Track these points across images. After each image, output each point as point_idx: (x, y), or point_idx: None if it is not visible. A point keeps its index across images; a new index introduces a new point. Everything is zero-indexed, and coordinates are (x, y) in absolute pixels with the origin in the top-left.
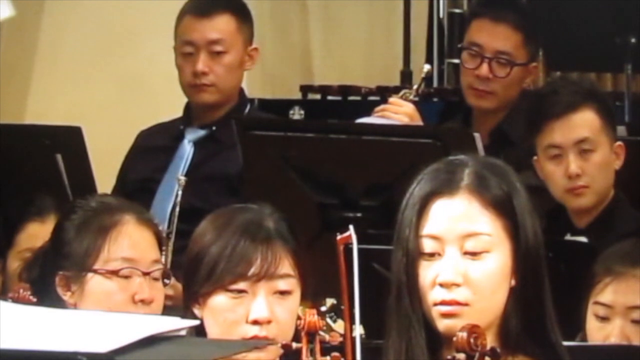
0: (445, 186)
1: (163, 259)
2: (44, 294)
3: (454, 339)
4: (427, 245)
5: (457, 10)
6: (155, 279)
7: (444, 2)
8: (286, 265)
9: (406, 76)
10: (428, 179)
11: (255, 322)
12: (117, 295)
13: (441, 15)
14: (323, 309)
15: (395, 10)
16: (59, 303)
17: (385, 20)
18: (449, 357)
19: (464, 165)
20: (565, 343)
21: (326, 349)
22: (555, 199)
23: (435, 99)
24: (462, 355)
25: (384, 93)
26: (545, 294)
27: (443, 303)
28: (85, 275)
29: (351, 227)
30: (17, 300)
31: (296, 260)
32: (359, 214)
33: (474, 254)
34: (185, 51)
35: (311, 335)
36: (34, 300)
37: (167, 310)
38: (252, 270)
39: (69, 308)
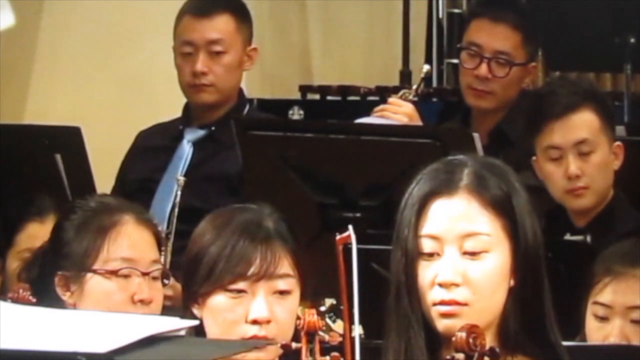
0: (445, 186)
1: (162, 259)
2: (44, 294)
3: (453, 339)
4: (426, 245)
5: (456, 10)
6: (155, 279)
7: (443, 2)
8: (285, 265)
9: (405, 76)
10: (427, 179)
11: (255, 322)
12: (116, 295)
13: (440, 16)
14: (322, 309)
15: (394, 11)
16: (58, 303)
17: (385, 21)
18: (448, 357)
19: (463, 165)
20: (565, 343)
21: (326, 349)
22: (555, 199)
23: (434, 99)
24: (461, 355)
25: (383, 93)
26: (544, 294)
27: (442, 303)
28: (84, 275)
29: (350, 227)
30: (16, 300)
31: (295, 260)
32: (358, 214)
33: (473, 254)
34: (185, 51)
35: (311, 335)
36: (34, 300)
37: (166, 311)
38: (251, 270)
39: (68, 308)
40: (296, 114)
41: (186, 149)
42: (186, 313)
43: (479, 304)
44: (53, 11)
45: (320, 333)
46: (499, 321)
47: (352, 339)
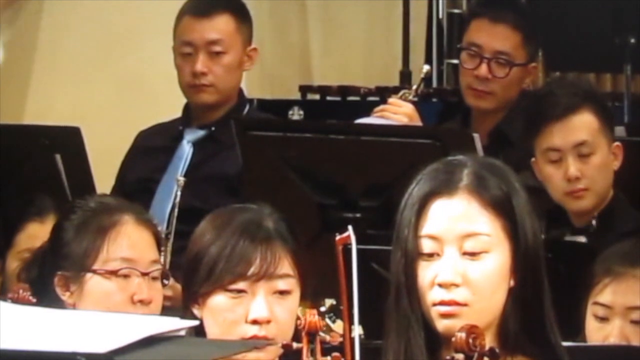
0: (444, 186)
1: (162, 260)
2: (43, 294)
3: (453, 339)
4: (426, 246)
5: (456, 11)
6: (154, 279)
7: (443, 2)
8: (286, 265)
9: (405, 76)
10: (427, 179)
11: (255, 322)
12: (116, 295)
13: (440, 16)
14: (322, 309)
15: (394, 11)
16: (57, 303)
17: (385, 21)
18: (447, 357)
19: (462, 165)
20: (564, 343)
21: (326, 349)
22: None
23: (434, 100)
24: (460, 356)
25: (383, 93)
26: (544, 295)
27: (442, 303)
28: (84, 275)
29: (350, 227)
30: (16, 300)
31: (296, 260)
32: (358, 215)
33: (473, 254)
34: (184, 51)
35: (312, 335)
36: (34, 300)
37: (165, 311)
38: (251, 270)
39: (68, 308)
40: (296, 114)
41: (186, 149)
42: (186, 313)
43: (478, 305)
44: (53, 11)
45: (321, 334)
46: (499, 321)
47: (352, 340)
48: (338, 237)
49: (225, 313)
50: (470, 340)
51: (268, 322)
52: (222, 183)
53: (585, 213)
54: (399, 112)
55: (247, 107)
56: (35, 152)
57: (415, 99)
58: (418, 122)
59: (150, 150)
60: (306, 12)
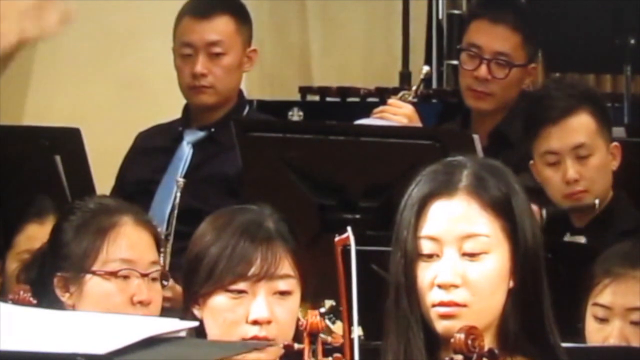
0: (444, 187)
1: (161, 261)
2: (43, 295)
3: (452, 340)
4: (426, 247)
5: (456, 12)
6: (154, 280)
7: (443, 3)
8: (286, 266)
9: (405, 77)
10: (426, 180)
11: (255, 322)
12: (116, 296)
13: (440, 17)
14: (322, 310)
15: (394, 12)
16: (57, 304)
17: (384, 22)
18: (447, 358)
19: (462, 166)
20: (564, 344)
21: (328, 351)
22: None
23: (434, 100)
24: (459, 357)
25: (383, 94)
26: (543, 296)
27: (441, 304)
28: (83, 276)
29: (349, 228)
30: (17, 301)
31: (296, 260)
32: (357, 216)
33: (472, 255)
34: (184, 53)
35: (313, 336)
36: (34, 301)
37: (165, 312)
38: (252, 271)
39: (68, 309)
40: (296, 115)
41: (186, 151)
42: (187, 314)
43: (478, 305)
44: None
45: (322, 335)
46: (498, 322)
47: (352, 341)
48: (337, 238)
49: (225, 313)
50: (470, 341)
51: (268, 322)
52: (222, 184)
53: (585, 214)
54: (398, 113)
55: (247, 108)
56: (35, 153)
57: (415, 100)
58: (418, 123)
59: (150, 151)
60: (306, 13)
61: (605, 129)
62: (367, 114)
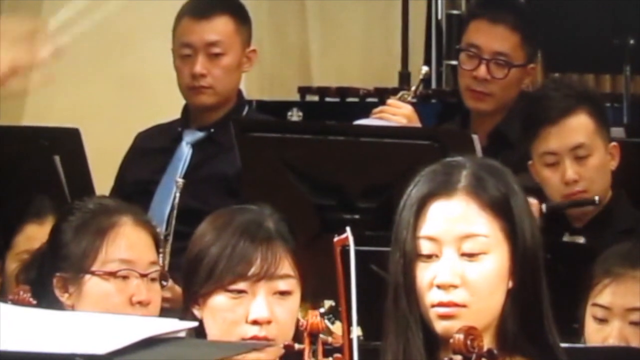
0: (443, 187)
1: (160, 261)
2: (42, 295)
3: (451, 340)
4: (425, 247)
5: (455, 12)
6: (153, 281)
7: (442, 3)
8: (286, 266)
9: (404, 78)
10: (425, 180)
11: (255, 322)
12: (115, 296)
13: (439, 17)
14: (321, 310)
15: (393, 12)
16: (56, 305)
17: (384, 22)
18: (445, 358)
19: (461, 166)
20: (563, 345)
21: (328, 351)
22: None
23: (433, 101)
24: (459, 357)
25: (382, 94)
26: (543, 296)
27: (440, 304)
28: (82, 276)
29: (348, 228)
30: (16, 302)
31: (296, 260)
32: (356, 216)
33: (471, 256)
34: (184, 53)
35: (314, 336)
36: (34, 302)
37: (164, 313)
38: (252, 271)
39: (67, 309)
40: (295, 115)
41: (185, 151)
42: (186, 314)
43: (477, 306)
44: (53, 11)
45: (322, 335)
46: (498, 323)
47: (351, 341)
48: (336, 239)
49: (225, 313)
50: (469, 342)
51: (268, 322)
52: (221, 184)
53: (584, 214)
54: (397, 113)
55: (246, 109)
56: (34, 153)
57: (414, 100)
58: (417, 123)
59: (149, 152)
60: (305, 13)
61: (603, 129)
62: (367, 114)
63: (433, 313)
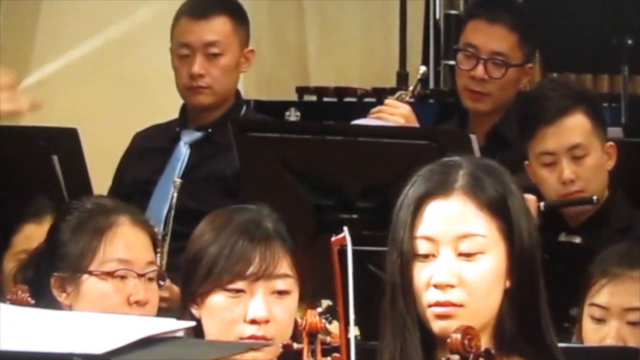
0: (440, 187)
1: (158, 261)
2: (40, 295)
3: (448, 340)
4: (422, 247)
5: (453, 12)
6: (150, 281)
7: (440, 3)
8: (285, 265)
9: (402, 78)
10: (422, 180)
11: (253, 322)
12: (112, 296)
13: (437, 17)
14: (319, 310)
15: (391, 12)
16: (54, 304)
17: (382, 22)
18: (443, 358)
19: (458, 166)
20: (561, 344)
21: (326, 350)
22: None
23: (431, 101)
24: (456, 357)
25: (380, 94)
26: (540, 296)
27: (437, 304)
28: (80, 276)
29: (345, 228)
30: (14, 301)
31: (295, 260)
32: (354, 216)
33: (468, 255)
34: (182, 53)
35: (312, 336)
36: (32, 302)
37: (162, 313)
38: (250, 270)
39: (64, 309)
40: (293, 115)
41: (183, 151)
42: (185, 313)
43: (474, 305)
44: (52, 11)
45: (321, 335)
46: (495, 322)
47: (348, 341)
48: (334, 238)
49: (223, 312)
50: (466, 342)
51: (266, 322)
52: (219, 184)
53: (581, 213)
54: (395, 113)
55: (244, 109)
56: (33, 153)
57: (412, 100)
58: (415, 123)
59: (147, 152)
60: (303, 13)
61: (600, 129)
62: (364, 114)
63: (430, 313)
